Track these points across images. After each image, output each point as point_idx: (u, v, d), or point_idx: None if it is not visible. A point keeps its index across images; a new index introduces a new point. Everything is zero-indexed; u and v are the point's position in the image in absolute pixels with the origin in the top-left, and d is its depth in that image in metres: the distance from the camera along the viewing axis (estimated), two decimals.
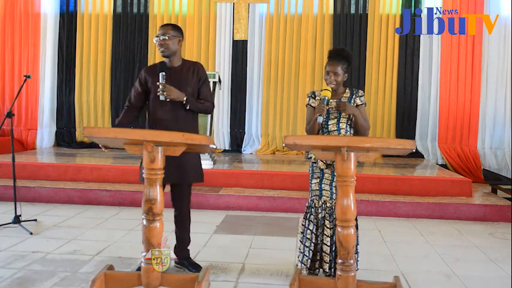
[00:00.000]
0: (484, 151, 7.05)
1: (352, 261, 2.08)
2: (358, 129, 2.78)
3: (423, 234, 4.09)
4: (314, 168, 2.80)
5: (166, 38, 2.84)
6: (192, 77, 2.94)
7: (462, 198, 4.91)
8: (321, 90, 2.73)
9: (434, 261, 3.37)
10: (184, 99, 2.82)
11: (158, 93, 2.78)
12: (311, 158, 2.80)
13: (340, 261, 2.08)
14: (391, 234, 4.05)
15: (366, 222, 4.37)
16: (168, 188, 2.94)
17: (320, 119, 2.67)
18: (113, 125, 7.66)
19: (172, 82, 2.82)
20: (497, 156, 7.03)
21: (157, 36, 2.87)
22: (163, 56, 2.91)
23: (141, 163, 2.95)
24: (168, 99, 2.79)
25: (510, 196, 5.13)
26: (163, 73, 2.79)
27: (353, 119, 2.79)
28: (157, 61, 6.56)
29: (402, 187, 5.06)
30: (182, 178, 2.88)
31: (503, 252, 3.58)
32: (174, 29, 2.90)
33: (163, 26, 2.93)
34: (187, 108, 2.86)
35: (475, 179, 6.31)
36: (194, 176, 2.95)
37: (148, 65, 7.62)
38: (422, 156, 7.28)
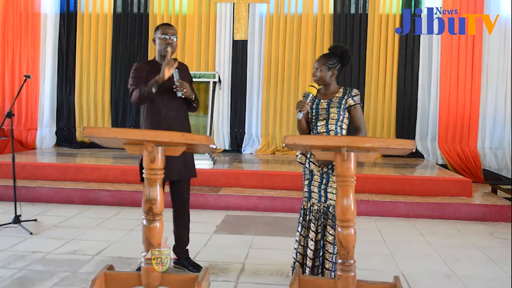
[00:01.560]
0: (484, 151, 7.05)
1: (352, 261, 2.08)
2: None
3: (423, 234, 4.09)
4: (305, 170, 2.74)
5: (175, 38, 2.85)
6: (184, 76, 2.95)
7: (462, 198, 4.91)
8: (308, 87, 2.60)
9: (434, 261, 3.37)
10: (193, 96, 2.87)
11: (175, 90, 2.77)
12: (297, 156, 2.74)
13: (340, 261, 2.07)
14: (391, 234, 4.05)
15: (366, 222, 4.38)
16: (166, 188, 2.94)
17: (299, 115, 2.55)
18: (113, 125, 7.67)
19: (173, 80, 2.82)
20: (497, 156, 7.02)
21: (165, 34, 2.83)
22: (168, 55, 2.85)
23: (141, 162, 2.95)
24: (183, 96, 2.80)
25: (510, 196, 5.13)
26: (178, 69, 2.80)
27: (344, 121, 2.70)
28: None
29: (402, 187, 5.06)
30: (185, 173, 2.90)
31: (503, 252, 3.58)
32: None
33: (170, 25, 2.90)
34: (194, 105, 2.91)
35: (475, 179, 6.31)
36: (193, 170, 2.99)
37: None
38: (422, 156, 7.28)
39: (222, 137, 7.68)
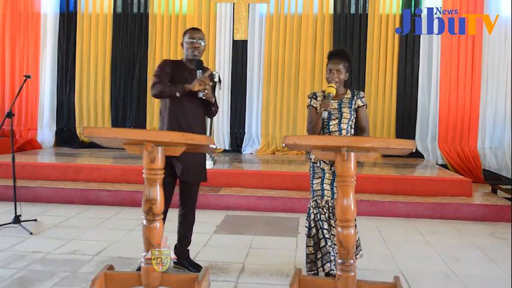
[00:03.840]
0: (484, 151, 7.05)
1: (352, 261, 2.08)
2: None
3: (423, 234, 4.09)
4: (315, 168, 2.81)
5: (202, 43, 2.86)
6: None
7: (462, 198, 4.91)
8: (327, 87, 2.74)
9: (434, 261, 3.37)
10: (213, 100, 2.89)
11: (199, 91, 2.77)
12: (311, 158, 2.82)
13: (340, 261, 2.07)
14: (391, 234, 4.05)
15: (366, 222, 4.38)
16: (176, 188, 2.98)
17: (325, 114, 2.68)
18: (113, 125, 7.68)
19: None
20: (497, 156, 7.03)
21: (193, 39, 2.83)
22: (195, 58, 2.84)
23: None
24: (204, 97, 2.80)
25: (510, 196, 5.13)
26: (202, 71, 2.80)
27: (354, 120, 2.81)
28: (157, 61, 6.41)
29: (402, 187, 5.06)
30: (200, 177, 2.95)
31: (503, 252, 3.58)
32: None
33: (198, 30, 2.92)
34: (213, 109, 2.94)
35: (475, 179, 6.31)
36: (205, 175, 3.02)
37: (148, 64, 7.64)
38: (422, 156, 7.28)
39: (222, 137, 7.68)
